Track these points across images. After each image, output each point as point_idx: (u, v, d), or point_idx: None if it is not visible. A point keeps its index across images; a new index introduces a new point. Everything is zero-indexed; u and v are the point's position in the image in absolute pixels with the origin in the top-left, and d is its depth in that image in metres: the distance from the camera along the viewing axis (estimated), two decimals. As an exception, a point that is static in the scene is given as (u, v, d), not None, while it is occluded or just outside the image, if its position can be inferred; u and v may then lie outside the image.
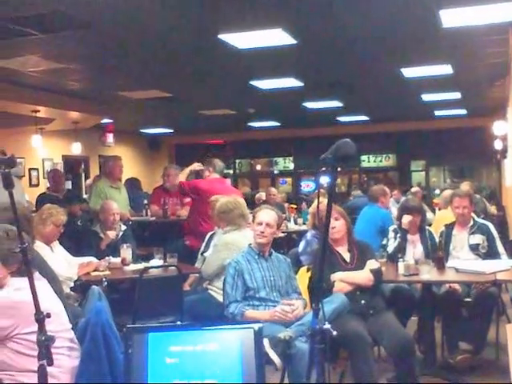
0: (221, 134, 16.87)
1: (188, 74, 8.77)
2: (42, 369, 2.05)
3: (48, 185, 9.70)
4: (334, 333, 2.22)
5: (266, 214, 4.43)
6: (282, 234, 8.22)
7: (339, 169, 2.26)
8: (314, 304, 2.26)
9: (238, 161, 18.81)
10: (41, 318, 2.06)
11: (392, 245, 5.29)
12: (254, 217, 4.57)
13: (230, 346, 2.65)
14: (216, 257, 5.19)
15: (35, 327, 2.71)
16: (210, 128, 15.43)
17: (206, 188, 6.73)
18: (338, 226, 4.47)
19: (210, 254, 5.47)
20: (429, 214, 8.04)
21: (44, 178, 12.58)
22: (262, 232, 4.32)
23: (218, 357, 2.63)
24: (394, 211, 7.51)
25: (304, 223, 9.48)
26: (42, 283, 2.95)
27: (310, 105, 12.32)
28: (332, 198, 2.26)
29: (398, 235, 5.31)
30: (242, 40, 6.87)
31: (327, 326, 2.22)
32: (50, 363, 2.07)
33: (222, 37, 6.67)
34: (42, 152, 11.92)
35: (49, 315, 2.08)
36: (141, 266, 5.56)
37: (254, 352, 2.60)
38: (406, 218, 5.35)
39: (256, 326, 2.66)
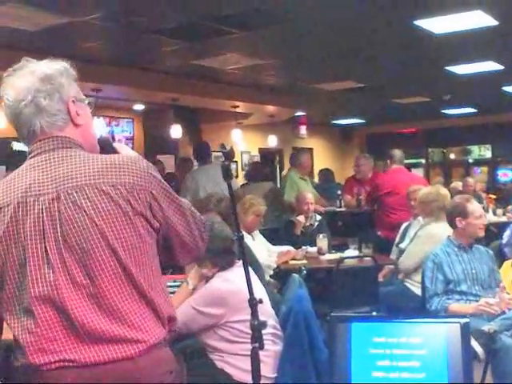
0: (412, 123, 16.41)
1: (382, 62, 8.65)
2: (255, 351, 2.15)
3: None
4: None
5: (479, 206, 4.34)
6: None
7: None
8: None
9: (429, 150, 18.18)
10: (254, 303, 2.16)
11: None
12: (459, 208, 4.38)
13: (434, 340, 2.60)
14: (419, 249, 5.04)
15: (242, 316, 2.89)
16: (402, 117, 15.09)
17: (383, 181, 7.10)
18: None
19: (411, 245, 5.34)
20: None
21: (242, 170, 12.98)
22: (485, 225, 4.24)
23: (423, 350, 2.60)
24: None
25: (504, 214, 8.97)
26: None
27: (510, 89, 11.57)
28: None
29: None
30: (438, 25, 6.62)
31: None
32: (262, 347, 2.17)
33: (418, 22, 6.49)
34: (241, 145, 12.38)
35: (261, 301, 2.18)
36: (336, 255, 5.62)
37: (460, 347, 2.53)
38: None
39: (462, 321, 2.59)
